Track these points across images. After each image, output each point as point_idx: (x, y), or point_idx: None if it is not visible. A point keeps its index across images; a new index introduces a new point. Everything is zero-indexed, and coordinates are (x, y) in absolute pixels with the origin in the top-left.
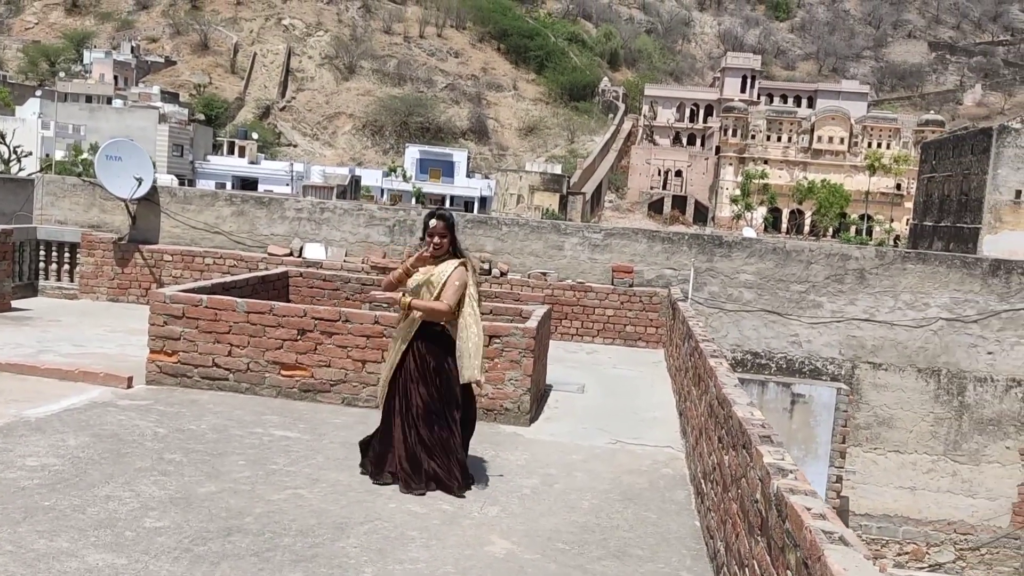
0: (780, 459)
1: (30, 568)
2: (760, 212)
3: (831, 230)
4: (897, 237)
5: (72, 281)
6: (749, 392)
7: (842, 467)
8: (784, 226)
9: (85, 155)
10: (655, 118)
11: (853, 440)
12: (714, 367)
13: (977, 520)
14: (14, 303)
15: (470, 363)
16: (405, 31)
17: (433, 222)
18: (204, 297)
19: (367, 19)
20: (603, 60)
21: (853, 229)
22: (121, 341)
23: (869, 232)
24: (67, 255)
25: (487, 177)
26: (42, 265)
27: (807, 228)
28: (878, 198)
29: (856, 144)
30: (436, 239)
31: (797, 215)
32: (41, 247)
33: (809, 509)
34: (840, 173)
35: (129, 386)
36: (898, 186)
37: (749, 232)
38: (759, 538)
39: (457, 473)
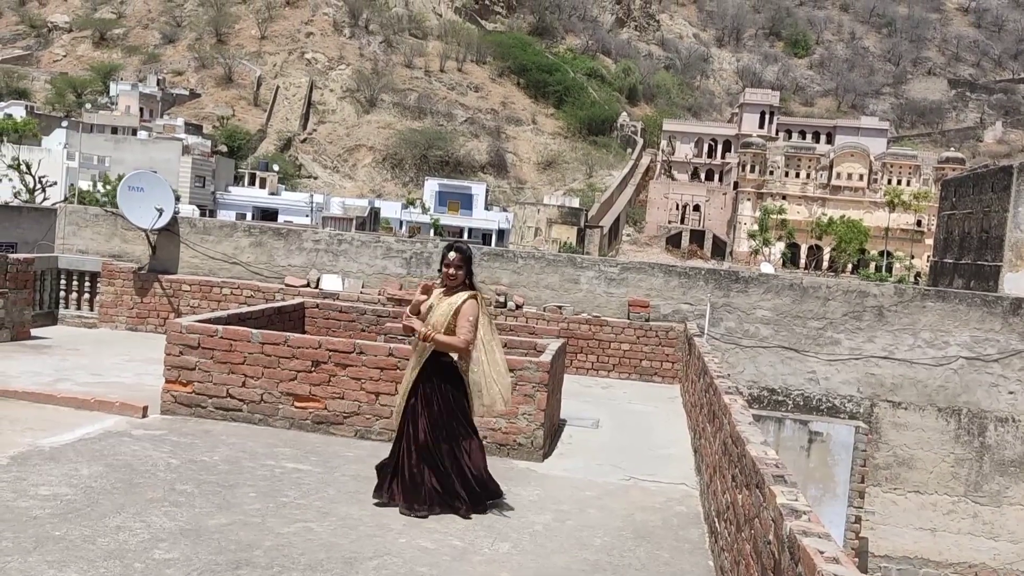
0: (794, 500)
1: None
2: (778, 247)
3: (850, 266)
4: (918, 274)
5: (92, 310)
6: (766, 429)
7: (861, 507)
8: (803, 261)
9: (110, 186)
10: (673, 153)
11: (872, 480)
12: (728, 404)
13: (999, 564)
14: (34, 331)
15: (479, 397)
16: (426, 65)
17: (451, 254)
18: (219, 328)
19: (388, 53)
20: (622, 95)
21: (873, 265)
22: (139, 370)
23: (889, 268)
24: (87, 284)
25: (505, 210)
26: (62, 294)
27: (826, 264)
28: (898, 234)
29: (875, 180)
30: (451, 270)
31: (816, 251)
32: (62, 276)
33: (822, 552)
34: (859, 209)
35: (144, 416)
36: (919, 223)
37: (767, 267)
38: None
39: (463, 494)
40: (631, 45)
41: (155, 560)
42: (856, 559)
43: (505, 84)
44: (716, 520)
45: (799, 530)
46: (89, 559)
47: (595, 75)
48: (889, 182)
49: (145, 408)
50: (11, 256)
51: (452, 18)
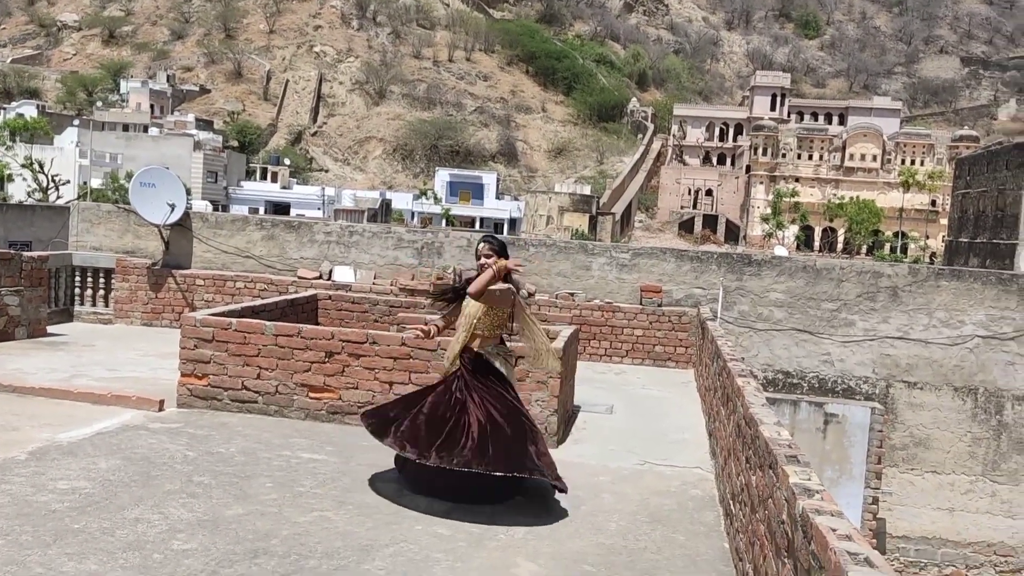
0: (807, 479)
1: None
2: (792, 230)
3: (865, 248)
4: (933, 254)
5: (107, 306)
6: (781, 412)
7: (878, 488)
8: (817, 244)
9: (122, 182)
10: (684, 138)
11: (889, 461)
12: (742, 386)
13: (1017, 542)
14: (50, 328)
15: (532, 343)
16: (434, 55)
17: (481, 245)
18: (234, 320)
19: (396, 44)
20: (631, 81)
21: (888, 246)
22: (154, 365)
23: (904, 249)
24: (102, 280)
25: (516, 199)
26: (77, 291)
27: (840, 246)
28: (913, 215)
29: (889, 161)
30: (482, 260)
31: (830, 233)
32: (76, 273)
33: (835, 530)
34: (873, 190)
35: (160, 409)
36: (933, 203)
37: (780, 250)
38: (786, 560)
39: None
40: (640, 30)
41: (173, 551)
42: (874, 540)
43: (514, 72)
44: (731, 502)
45: (812, 509)
46: (108, 551)
47: (604, 61)
48: (903, 162)
49: (161, 402)
50: (25, 254)
51: (459, 7)
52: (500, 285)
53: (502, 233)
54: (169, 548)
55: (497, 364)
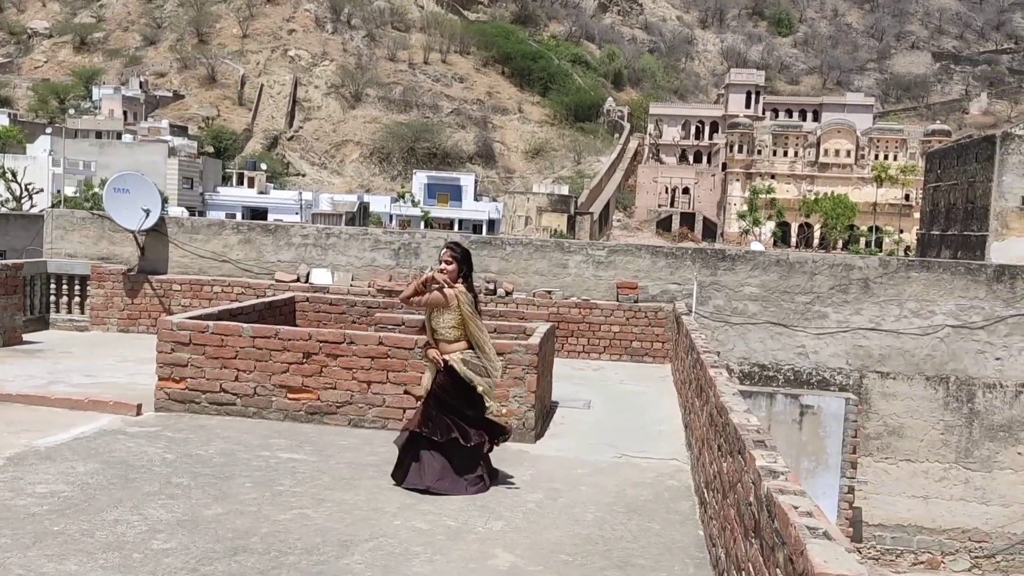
0: (773, 462)
1: None
2: (769, 227)
3: (841, 242)
4: (908, 248)
5: (83, 313)
6: (757, 405)
7: (854, 477)
8: (793, 240)
9: (96, 190)
10: (660, 136)
11: (864, 450)
12: (714, 376)
13: (991, 527)
14: (26, 336)
15: (491, 374)
16: (410, 58)
17: (444, 250)
18: (211, 324)
19: (372, 47)
20: (607, 81)
21: (863, 241)
22: (131, 370)
23: (879, 244)
24: (77, 288)
25: (495, 200)
26: (53, 298)
27: (816, 241)
28: (887, 209)
29: (863, 156)
30: (442, 264)
31: (806, 228)
32: (52, 280)
33: (796, 508)
34: (848, 185)
35: (138, 413)
36: (907, 196)
37: (757, 246)
38: (753, 540)
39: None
40: (615, 30)
41: (153, 550)
42: (850, 528)
43: (490, 74)
44: (705, 491)
45: (776, 489)
46: (88, 551)
47: (580, 61)
48: (876, 157)
49: (139, 406)
50: (0, 262)
51: (434, 9)
52: (447, 291)
53: (481, 233)
54: (149, 548)
55: (467, 374)
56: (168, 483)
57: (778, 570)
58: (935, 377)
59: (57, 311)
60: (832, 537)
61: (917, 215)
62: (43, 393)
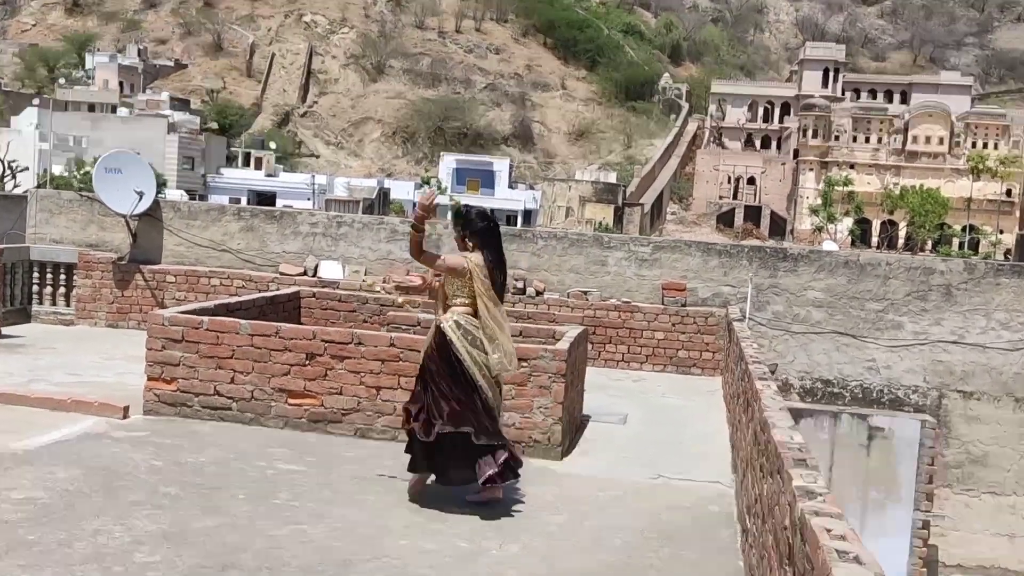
0: (812, 482)
1: None
2: (846, 223)
3: (930, 243)
4: (1008, 251)
5: (68, 305)
6: (819, 425)
7: (929, 511)
8: (874, 239)
9: (87, 169)
10: (723, 118)
11: (942, 480)
12: (760, 389)
13: None
14: (5, 330)
15: (496, 349)
16: (440, 26)
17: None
18: (205, 319)
19: (397, 13)
20: (663, 54)
21: (955, 242)
22: (120, 369)
23: (975, 245)
24: (63, 277)
25: (532, 187)
26: (35, 288)
27: (902, 241)
28: (984, 206)
29: (958, 144)
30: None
31: (889, 227)
32: (35, 268)
33: (829, 531)
34: (939, 178)
35: (125, 416)
36: (1008, 192)
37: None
38: (787, 568)
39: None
40: None
41: (136, 563)
42: (924, 570)
43: (530, 45)
44: (747, 516)
45: (811, 511)
46: (66, 563)
47: (633, 31)
48: (973, 145)
49: (126, 408)
50: None
51: None
52: (459, 258)
53: (515, 225)
54: (131, 561)
55: (457, 346)
56: (155, 492)
57: None
58: None
59: (40, 302)
60: (863, 562)
61: (1019, 213)
62: (22, 392)
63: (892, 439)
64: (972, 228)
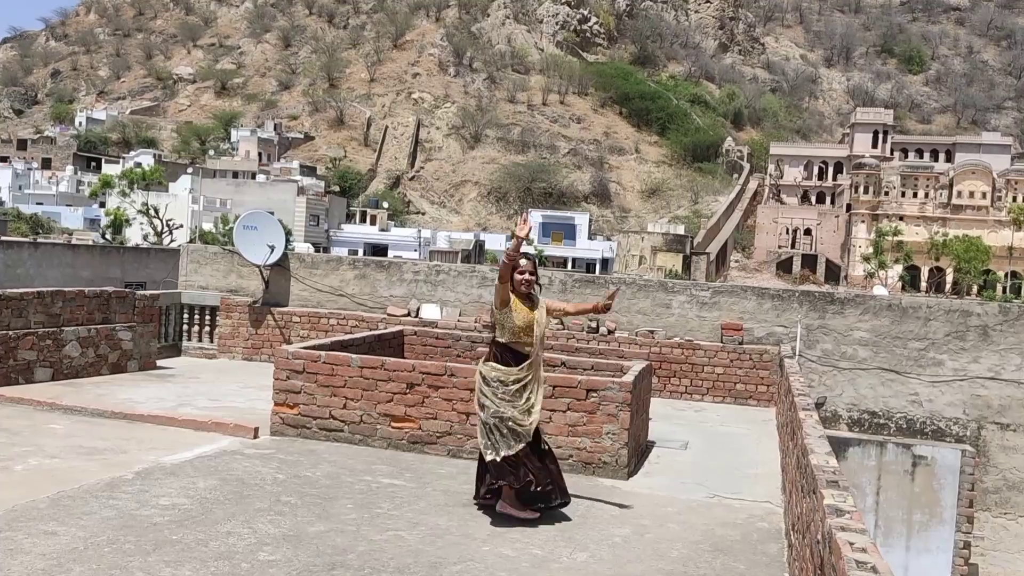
0: (842, 501)
1: None
2: (896, 270)
3: (975, 288)
4: None
5: (211, 342)
6: (867, 453)
7: (970, 532)
8: (923, 285)
9: (231, 226)
10: (781, 177)
11: (981, 504)
12: (803, 419)
13: None
14: (160, 362)
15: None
16: (528, 99)
17: (523, 261)
18: (323, 353)
19: (492, 90)
20: (727, 120)
21: (999, 287)
22: (252, 396)
23: (1016, 290)
24: (207, 317)
25: (609, 239)
26: (185, 327)
27: (948, 286)
28: None
29: (999, 198)
30: (526, 276)
31: (936, 272)
32: (185, 311)
33: (852, 544)
34: (983, 228)
35: (255, 436)
36: None
37: (881, 291)
38: None
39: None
40: (735, 69)
41: (260, 561)
42: None
43: (607, 114)
44: (792, 533)
45: (838, 526)
46: (202, 559)
47: (699, 101)
48: (1014, 199)
49: (256, 429)
50: (139, 292)
51: (554, 52)
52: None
53: (593, 272)
54: (256, 559)
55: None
56: (277, 501)
57: None
58: None
59: (189, 339)
60: (879, 571)
61: None
62: (171, 415)
63: (934, 466)
64: (1015, 274)
